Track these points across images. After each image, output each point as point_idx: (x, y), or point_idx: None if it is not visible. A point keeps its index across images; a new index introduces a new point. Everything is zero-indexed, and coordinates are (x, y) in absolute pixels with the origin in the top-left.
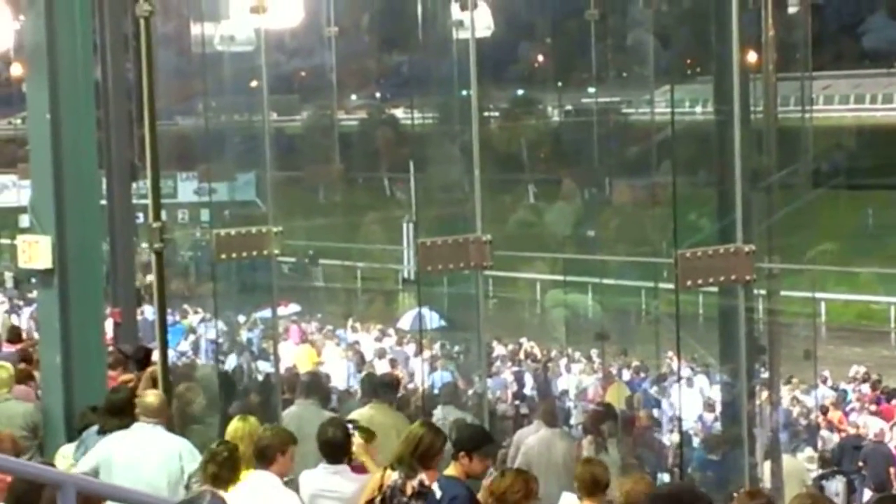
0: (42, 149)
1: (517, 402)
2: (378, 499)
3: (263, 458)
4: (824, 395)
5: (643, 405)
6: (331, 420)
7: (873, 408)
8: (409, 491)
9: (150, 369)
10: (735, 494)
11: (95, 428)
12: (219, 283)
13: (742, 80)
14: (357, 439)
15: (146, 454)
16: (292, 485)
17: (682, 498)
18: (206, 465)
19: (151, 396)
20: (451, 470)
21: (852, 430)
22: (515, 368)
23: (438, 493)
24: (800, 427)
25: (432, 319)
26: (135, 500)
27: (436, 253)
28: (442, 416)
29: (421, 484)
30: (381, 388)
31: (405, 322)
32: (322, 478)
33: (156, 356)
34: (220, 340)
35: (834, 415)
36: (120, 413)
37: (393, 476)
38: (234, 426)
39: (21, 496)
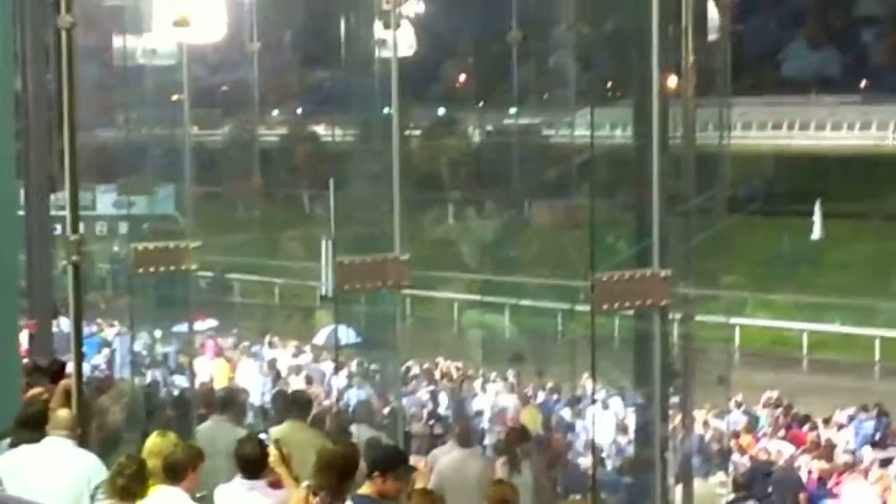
0: None
1: (431, 422)
2: None
3: (174, 474)
4: (736, 420)
5: (558, 427)
6: (247, 436)
7: (782, 433)
8: None
9: (63, 382)
10: None
11: (7, 441)
12: (136, 296)
13: (661, 105)
14: (273, 452)
15: (55, 468)
16: (206, 500)
17: None
18: (115, 479)
19: (62, 411)
20: (365, 489)
21: (763, 456)
22: (431, 388)
23: None
24: (712, 452)
25: (349, 336)
26: None
27: (354, 271)
28: (357, 434)
29: None
30: (294, 406)
31: (320, 338)
32: (238, 493)
33: (70, 369)
34: (140, 353)
35: (745, 439)
36: (33, 426)
37: (315, 502)
38: (153, 441)
39: None
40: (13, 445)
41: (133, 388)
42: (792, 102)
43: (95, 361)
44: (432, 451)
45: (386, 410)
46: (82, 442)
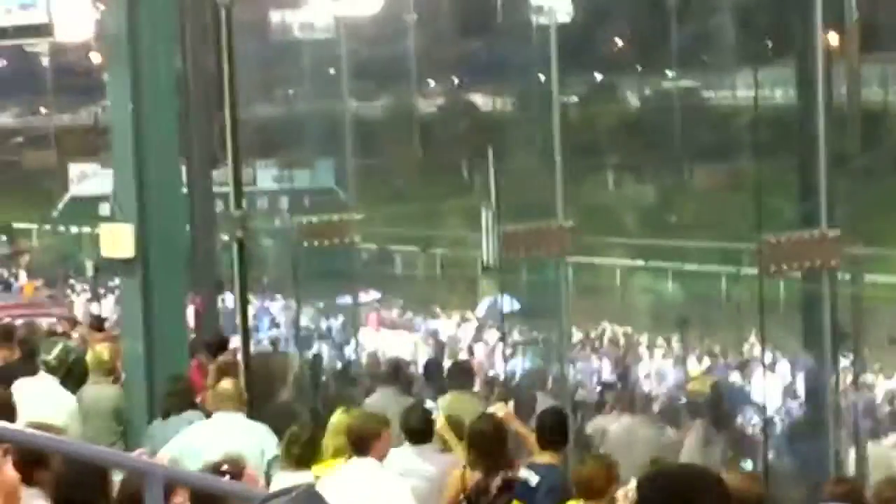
0: (124, 137)
1: (598, 389)
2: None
3: (362, 445)
4: None
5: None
6: (413, 406)
7: None
8: (493, 490)
9: (219, 359)
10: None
11: (159, 420)
12: (299, 270)
13: (825, 63)
14: (441, 419)
15: (228, 443)
16: None
17: (687, 480)
18: (289, 448)
19: (226, 384)
20: (544, 457)
21: None
22: (597, 355)
23: (534, 481)
24: (884, 413)
25: (512, 305)
26: (223, 490)
27: (518, 240)
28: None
29: (504, 479)
30: (458, 375)
31: (481, 309)
32: (408, 457)
33: (233, 345)
34: (306, 327)
35: None
36: (181, 399)
37: (475, 477)
38: (339, 419)
39: (74, 485)
40: (164, 416)
41: (300, 362)
42: None
43: (260, 336)
44: (598, 418)
45: (551, 379)
46: (251, 416)
